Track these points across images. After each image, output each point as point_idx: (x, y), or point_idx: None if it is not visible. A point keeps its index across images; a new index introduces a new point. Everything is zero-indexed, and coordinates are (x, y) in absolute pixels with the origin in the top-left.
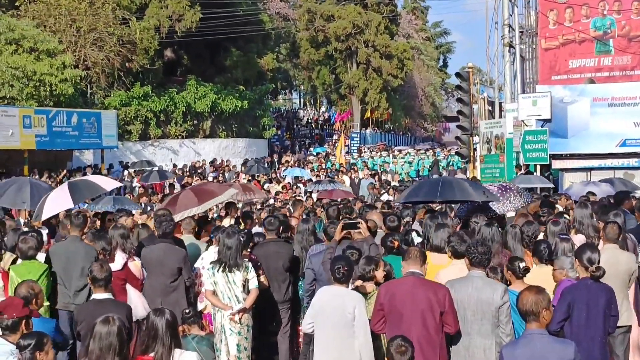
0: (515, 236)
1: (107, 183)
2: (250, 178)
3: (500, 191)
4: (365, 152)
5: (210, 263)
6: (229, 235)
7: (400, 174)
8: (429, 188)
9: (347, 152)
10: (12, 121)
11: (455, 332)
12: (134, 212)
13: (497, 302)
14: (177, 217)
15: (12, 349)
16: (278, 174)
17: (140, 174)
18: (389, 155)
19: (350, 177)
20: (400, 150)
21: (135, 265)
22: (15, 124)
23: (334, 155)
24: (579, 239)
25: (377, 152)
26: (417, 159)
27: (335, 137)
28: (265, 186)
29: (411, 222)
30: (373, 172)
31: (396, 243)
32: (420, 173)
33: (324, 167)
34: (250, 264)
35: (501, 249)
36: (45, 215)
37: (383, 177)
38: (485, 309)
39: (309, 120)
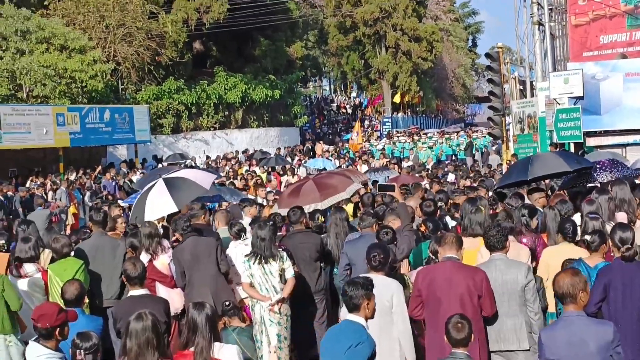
0: (555, 217)
1: (205, 179)
2: (269, 170)
3: (610, 163)
4: (391, 137)
5: (245, 256)
6: (261, 227)
7: (423, 160)
8: (520, 169)
9: (367, 139)
10: (46, 119)
11: (492, 316)
12: None
13: (521, 281)
14: (279, 210)
15: (51, 353)
16: (297, 166)
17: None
18: (408, 141)
19: (369, 165)
20: (420, 135)
21: (161, 263)
22: (49, 122)
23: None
24: (621, 217)
25: (397, 138)
26: (437, 144)
27: (367, 122)
28: (284, 179)
29: (444, 207)
30: (394, 159)
31: (423, 228)
32: (440, 158)
33: (339, 155)
34: (285, 254)
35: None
36: (147, 218)
37: (404, 164)
38: (511, 290)
39: (340, 106)
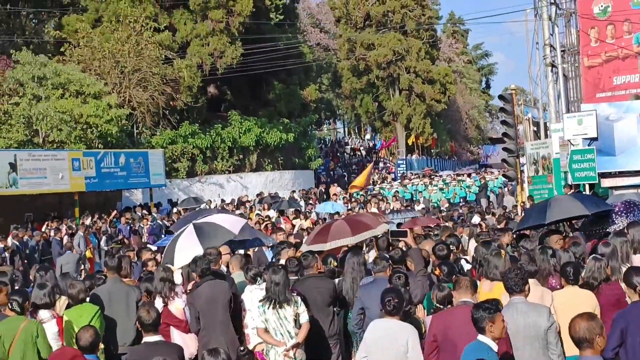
0: (570, 259)
1: (234, 225)
2: (278, 214)
3: (624, 207)
4: (405, 179)
5: (260, 301)
6: (275, 272)
7: (435, 202)
8: (538, 212)
9: (381, 181)
10: (61, 164)
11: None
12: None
13: (544, 324)
14: (327, 246)
15: None
16: (309, 210)
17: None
18: (420, 184)
19: (379, 208)
20: (432, 177)
21: (176, 308)
22: (65, 167)
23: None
24: (637, 260)
25: (409, 180)
26: (450, 186)
27: (381, 164)
28: (296, 222)
29: (456, 251)
30: (407, 201)
31: (438, 272)
32: (452, 200)
33: (350, 198)
34: (299, 298)
35: (553, 273)
36: (177, 264)
37: (416, 207)
38: (533, 333)
39: (354, 149)
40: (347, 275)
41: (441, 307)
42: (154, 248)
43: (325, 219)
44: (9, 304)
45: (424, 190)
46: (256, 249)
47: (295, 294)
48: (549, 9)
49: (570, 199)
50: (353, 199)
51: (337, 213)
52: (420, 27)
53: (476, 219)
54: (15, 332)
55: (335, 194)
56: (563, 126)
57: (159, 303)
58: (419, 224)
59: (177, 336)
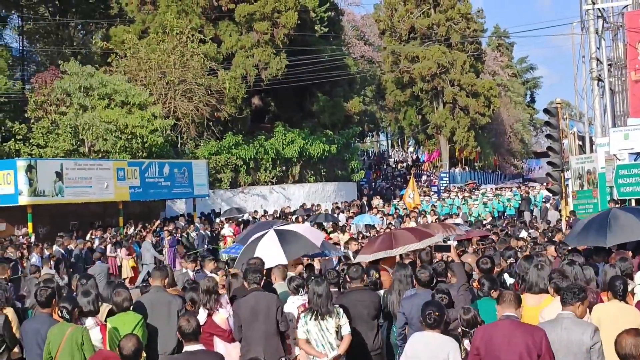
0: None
1: (316, 237)
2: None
3: None
4: (448, 192)
5: (302, 312)
6: (318, 283)
7: (475, 216)
8: (597, 229)
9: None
10: (106, 174)
11: None
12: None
13: (587, 342)
14: (371, 257)
15: None
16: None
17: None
18: (458, 198)
19: (417, 223)
20: (471, 192)
21: (220, 318)
22: (110, 177)
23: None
24: None
25: (447, 195)
26: (493, 200)
27: (424, 177)
28: (333, 236)
29: (514, 263)
30: (444, 216)
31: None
32: (494, 215)
33: (386, 213)
34: (341, 310)
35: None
36: None
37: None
38: (575, 351)
39: (397, 162)
40: (394, 287)
41: (467, 329)
42: (224, 257)
43: (360, 231)
44: (59, 311)
45: (464, 204)
46: (322, 260)
47: (337, 306)
48: (596, 22)
49: (631, 218)
50: (389, 214)
51: (373, 226)
52: (465, 40)
53: (524, 234)
54: (62, 338)
55: (375, 207)
56: (609, 140)
57: (203, 313)
58: (473, 237)
59: (221, 345)
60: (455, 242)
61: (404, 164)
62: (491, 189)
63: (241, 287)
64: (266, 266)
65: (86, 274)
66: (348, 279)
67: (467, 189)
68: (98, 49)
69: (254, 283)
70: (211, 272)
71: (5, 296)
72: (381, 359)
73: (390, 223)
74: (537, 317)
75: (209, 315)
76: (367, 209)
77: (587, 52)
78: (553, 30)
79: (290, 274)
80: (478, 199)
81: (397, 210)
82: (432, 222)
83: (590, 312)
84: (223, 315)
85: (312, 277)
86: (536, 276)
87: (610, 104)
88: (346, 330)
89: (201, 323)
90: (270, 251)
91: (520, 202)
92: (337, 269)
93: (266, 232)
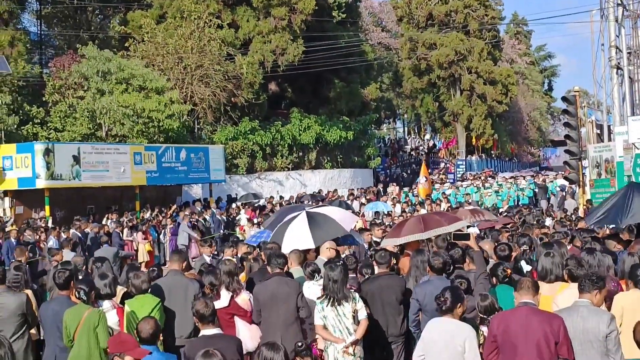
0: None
1: (346, 221)
2: None
3: None
4: (464, 180)
5: (318, 298)
6: (332, 269)
7: (488, 205)
8: (616, 211)
9: (441, 183)
10: (123, 158)
11: None
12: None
13: (603, 330)
14: (400, 240)
15: None
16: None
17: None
18: (472, 186)
19: (432, 211)
20: (485, 180)
21: (242, 299)
22: (127, 161)
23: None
24: None
25: (461, 183)
26: (504, 189)
27: (441, 165)
28: None
29: (528, 251)
30: (456, 205)
31: (508, 271)
32: (507, 203)
33: (399, 201)
34: (357, 295)
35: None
36: (284, 249)
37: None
38: (592, 339)
39: (414, 149)
40: (412, 273)
41: (485, 316)
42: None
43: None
44: (76, 292)
45: (476, 193)
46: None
47: (352, 291)
48: (616, 10)
49: None
50: (402, 201)
51: (388, 214)
52: (482, 27)
53: (549, 222)
54: (80, 320)
55: (387, 195)
56: (628, 129)
57: (226, 294)
58: (497, 226)
59: (242, 326)
60: (478, 231)
61: (421, 151)
62: (504, 177)
63: (259, 271)
64: (293, 248)
65: (100, 257)
66: (375, 264)
67: (483, 177)
68: (116, 33)
69: (277, 267)
70: (243, 255)
71: (24, 278)
72: (408, 344)
73: (403, 211)
74: (552, 305)
75: (232, 297)
76: (382, 196)
77: (606, 40)
78: (572, 18)
79: (322, 258)
80: (490, 187)
81: (409, 197)
82: (444, 210)
83: (608, 300)
84: (245, 297)
85: (326, 263)
86: (550, 264)
87: (629, 93)
88: (362, 314)
89: (225, 304)
90: (298, 234)
91: (535, 190)
92: (355, 254)
93: (299, 214)
